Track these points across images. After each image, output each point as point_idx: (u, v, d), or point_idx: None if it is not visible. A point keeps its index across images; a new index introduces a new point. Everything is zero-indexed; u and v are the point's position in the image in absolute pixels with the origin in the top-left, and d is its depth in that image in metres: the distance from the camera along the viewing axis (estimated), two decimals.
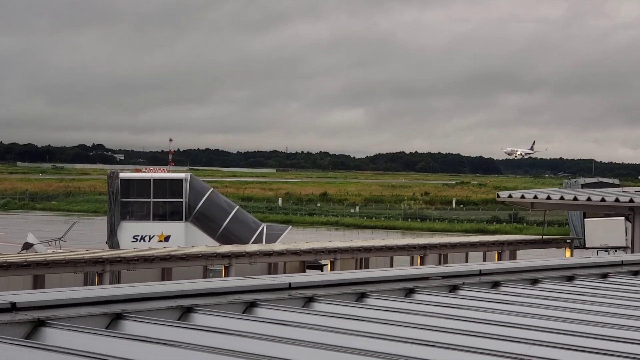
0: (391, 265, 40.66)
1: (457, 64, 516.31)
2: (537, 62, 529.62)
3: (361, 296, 9.38)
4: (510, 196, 41.94)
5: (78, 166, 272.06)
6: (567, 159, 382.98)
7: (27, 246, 46.79)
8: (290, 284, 9.32)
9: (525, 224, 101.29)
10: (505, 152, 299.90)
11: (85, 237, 68.08)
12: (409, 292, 9.92)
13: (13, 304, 7.15)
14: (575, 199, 38.98)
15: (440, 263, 39.44)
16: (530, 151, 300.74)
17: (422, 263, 39.62)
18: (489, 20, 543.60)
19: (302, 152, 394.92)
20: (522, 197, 40.92)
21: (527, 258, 17.46)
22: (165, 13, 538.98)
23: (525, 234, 56.30)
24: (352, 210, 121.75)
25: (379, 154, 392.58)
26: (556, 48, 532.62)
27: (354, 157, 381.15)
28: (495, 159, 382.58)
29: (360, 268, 38.53)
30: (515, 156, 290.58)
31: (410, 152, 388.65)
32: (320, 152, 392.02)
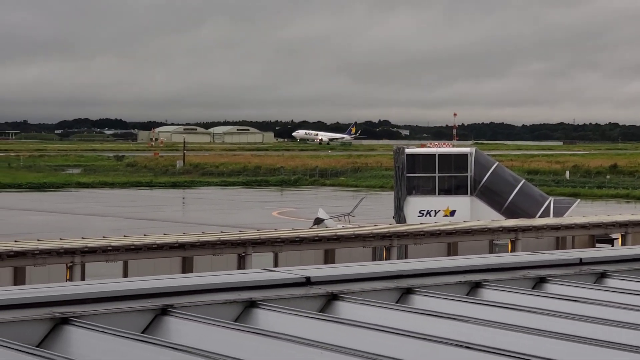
0: None
1: None
2: None
3: None
4: None
5: (365, 142, 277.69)
6: None
7: (318, 221, 48.27)
8: (581, 259, 9.08)
9: None
10: (297, 137, 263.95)
11: (373, 212, 69.38)
12: None
13: (308, 279, 7.39)
14: None
15: None
16: (342, 135, 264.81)
17: None
18: None
19: (590, 123, 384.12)
20: None
21: None
22: None
23: None
24: None
25: None
26: None
27: None
28: None
29: None
30: (318, 141, 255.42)
31: None
32: (610, 123, 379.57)
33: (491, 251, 34.95)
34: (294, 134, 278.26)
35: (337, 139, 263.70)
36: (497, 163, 50.88)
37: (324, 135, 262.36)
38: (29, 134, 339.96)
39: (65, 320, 6.01)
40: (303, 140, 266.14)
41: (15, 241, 28.38)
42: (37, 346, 5.78)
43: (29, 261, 25.69)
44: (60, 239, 29.95)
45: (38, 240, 28.93)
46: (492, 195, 48.37)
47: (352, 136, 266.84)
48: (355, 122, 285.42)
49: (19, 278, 26.45)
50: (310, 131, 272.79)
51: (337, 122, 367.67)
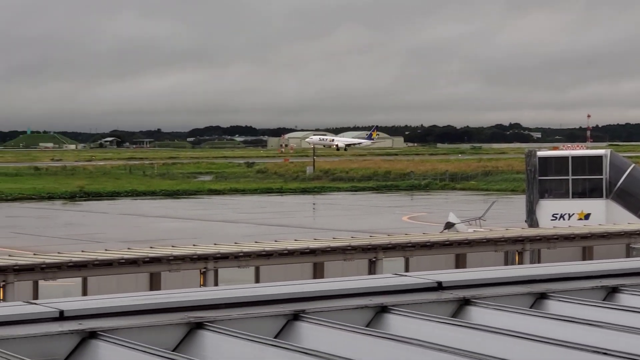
0: None
1: None
2: None
3: None
4: None
5: (495, 146, 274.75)
6: None
7: (449, 225, 47.95)
8: None
9: None
10: (310, 142, 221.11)
11: (504, 216, 68.54)
12: None
13: (439, 283, 7.35)
14: None
15: None
16: (360, 140, 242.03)
17: None
18: None
19: None
20: None
21: None
22: None
23: None
24: None
25: None
26: None
27: None
28: None
29: None
30: (335, 147, 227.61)
31: None
32: None
33: (628, 255, 34.12)
34: (307, 140, 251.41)
35: (354, 144, 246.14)
36: (633, 165, 49.74)
37: (340, 141, 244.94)
38: (163, 142, 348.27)
39: (199, 325, 6.11)
40: (315, 144, 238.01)
41: (151, 247, 29.07)
42: (173, 350, 5.89)
43: (164, 267, 26.26)
44: (194, 245, 30.52)
45: (172, 246, 29.56)
46: (629, 197, 47.30)
47: (372, 141, 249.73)
48: (377, 126, 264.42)
49: (154, 283, 27.07)
50: (325, 137, 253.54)
51: (467, 126, 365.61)
